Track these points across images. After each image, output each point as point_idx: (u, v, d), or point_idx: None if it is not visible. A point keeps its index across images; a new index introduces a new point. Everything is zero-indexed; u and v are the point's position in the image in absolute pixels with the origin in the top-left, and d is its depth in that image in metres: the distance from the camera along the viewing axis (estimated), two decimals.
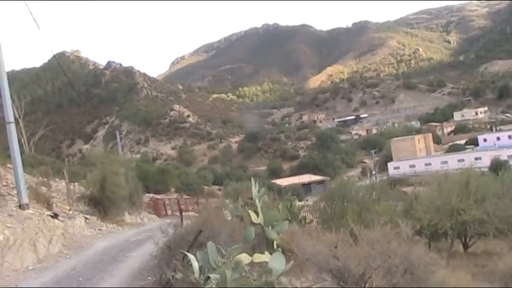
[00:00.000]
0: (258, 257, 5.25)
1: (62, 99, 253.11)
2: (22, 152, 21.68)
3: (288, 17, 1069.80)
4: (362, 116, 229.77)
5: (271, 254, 5.21)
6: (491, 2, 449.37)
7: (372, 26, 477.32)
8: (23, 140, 70.54)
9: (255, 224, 6.81)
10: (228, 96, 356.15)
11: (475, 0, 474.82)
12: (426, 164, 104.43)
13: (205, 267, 5.11)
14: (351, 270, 9.48)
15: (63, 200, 24.95)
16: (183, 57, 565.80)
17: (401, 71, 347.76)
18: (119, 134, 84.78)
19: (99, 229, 22.22)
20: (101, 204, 26.39)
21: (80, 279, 12.04)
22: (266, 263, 5.09)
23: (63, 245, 16.82)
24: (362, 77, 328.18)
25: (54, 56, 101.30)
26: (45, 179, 28.33)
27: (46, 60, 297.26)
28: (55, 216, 18.26)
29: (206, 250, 5.15)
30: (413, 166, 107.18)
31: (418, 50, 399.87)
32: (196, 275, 5.03)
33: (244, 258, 5.10)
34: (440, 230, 22.38)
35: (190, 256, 5.11)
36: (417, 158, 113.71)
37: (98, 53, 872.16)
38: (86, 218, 22.57)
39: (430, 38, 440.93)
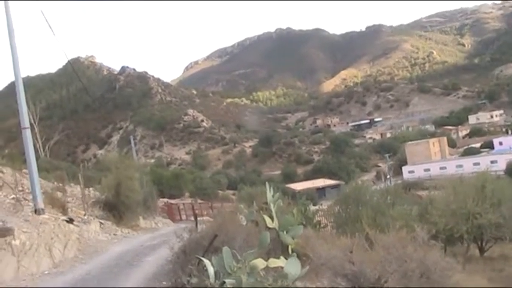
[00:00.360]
0: (273, 262, 5.24)
1: (77, 104, 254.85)
2: (37, 157, 21.79)
3: (301, 21, 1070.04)
4: (376, 119, 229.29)
5: (286, 258, 5.21)
6: (506, 3, 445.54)
7: (386, 30, 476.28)
8: (38, 145, 71.11)
9: (269, 228, 6.80)
10: (241, 101, 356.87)
11: (489, 1, 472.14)
12: (441, 168, 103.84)
13: (220, 272, 5.12)
14: (366, 274, 9.44)
15: (78, 205, 25.06)
16: (196, 62, 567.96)
17: (415, 75, 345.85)
18: (133, 139, 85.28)
19: (114, 234, 22.30)
20: (116, 209, 26.50)
21: (96, 283, 12.10)
22: (281, 267, 5.08)
23: (79, 250, 16.90)
24: (376, 80, 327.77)
25: (69, 61, 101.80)
26: (60, 184, 28.45)
27: (61, 66, 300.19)
28: (70, 221, 18.35)
29: (221, 255, 5.15)
30: (428, 170, 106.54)
31: (432, 53, 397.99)
32: (212, 280, 5.03)
33: (260, 263, 5.09)
34: (456, 234, 22.21)
35: (206, 261, 5.12)
36: (432, 162, 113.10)
37: (112, 58, 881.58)
38: (100, 222, 22.67)
39: (444, 40, 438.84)
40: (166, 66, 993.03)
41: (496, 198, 22.05)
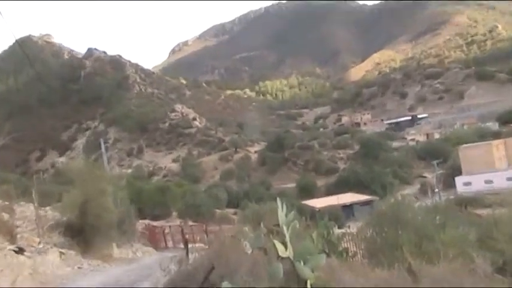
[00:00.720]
0: None
1: (29, 97, 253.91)
2: None
3: None
4: (420, 116, 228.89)
5: None
6: None
7: None
8: None
9: (282, 258, 6.79)
10: (244, 93, 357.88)
11: None
12: (508, 179, 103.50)
13: None
14: None
15: (31, 229, 25.05)
16: (186, 43, 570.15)
17: (472, 56, 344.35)
18: (105, 143, 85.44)
19: (78, 267, 22.27)
20: (82, 235, 26.50)
21: None
22: None
23: None
24: (420, 65, 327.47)
25: (16, 41, 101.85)
26: (6, 203, 28.48)
27: (7, 47, 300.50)
28: (20, 251, 18.33)
29: None
30: (491, 181, 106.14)
31: (497, 27, 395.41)
32: None
33: None
34: None
35: None
36: (495, 171, 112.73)
37: (76, 38, 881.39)
38: (61, 252, 22.63)
39: None
40: (147, 48, 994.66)
41: None
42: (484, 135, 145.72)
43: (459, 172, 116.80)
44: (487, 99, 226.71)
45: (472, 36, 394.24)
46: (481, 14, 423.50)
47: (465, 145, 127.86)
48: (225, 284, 5.18)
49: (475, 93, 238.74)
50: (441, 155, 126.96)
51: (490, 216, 30.62)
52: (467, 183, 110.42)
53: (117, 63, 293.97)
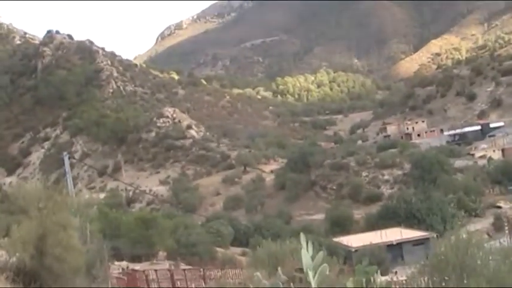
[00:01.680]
0: None
1: None
2: None
3: None
4: (494, 125, 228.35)
5: None
6: None
7: None
8: None
9: None
10: (257, 93, 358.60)
11: None
12: None
13: None
14: None
15: None
16: (180, 26, 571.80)
17: None
18: (69, 158, 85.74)
19: None
20: (37, 281, 26.51)
21: None
22: None
23: None
24: (494, 56, 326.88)
25: None
26: None
27: None
28: None
29: None
30: None
31: None
32: None
33: None
34: None
35: None
36: None
37: (31, 18, 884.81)
38: None
39: None
40: (128, 33, 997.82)
41: None
42: None
43: None
44: None
45: None
46: None
47: None
48: None
49: None
50: None
51: None
52: None
53: (86, 51, 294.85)
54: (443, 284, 22.98)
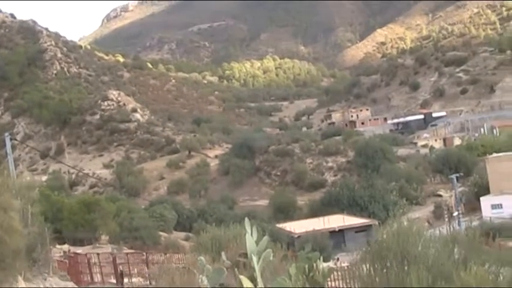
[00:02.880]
0: None
1: None
2: None
3: None
4: (436, 115, 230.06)
5: None
6: None
7: None
8: None
9: None
10: (203, 78, 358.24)
11: None
12: None
13: None
14: None
15: None
16: (125, 8, 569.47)
17: (508, 36, 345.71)
18: (10, 140, 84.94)
19: None
20: None
21: None
22: None
23: None
24: (438, 46, 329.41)
25: None
26: None
27: None
28: None
29: None
30: None
31: None
32: None
33: None
34: None
35: None
36: None
37: None
38: None
39: None
40: (73, 14, 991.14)
41: None
42: None
43: (486, 190, 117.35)
44: None
45: (508, 9, 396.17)
46: None
47: (495, 155, 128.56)
48: None
49: (510, 86, 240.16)
50: (463, 168, 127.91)
51: None
52: (497, 206, 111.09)
53: (29, 31, 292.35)
54: (384, 270, 23.10)
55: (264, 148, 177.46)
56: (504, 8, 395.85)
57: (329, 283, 23.78)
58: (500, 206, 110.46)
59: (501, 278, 22.61)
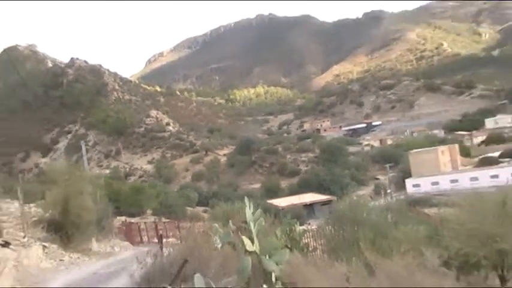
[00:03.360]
0: None
1: (14, 102, 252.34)
2: None
3: (286, 6, 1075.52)
4: (375, 123, 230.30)
5: None
6: None
7: (387, 17, 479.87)
8: None
9: (249, 252, 6.75)
10: (215, 101, 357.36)
11: None
12: (452, 181, 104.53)
13: None
14: None
15: (16, 225, 24.78)
16: (161, 54, 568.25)
17: (421, 70, 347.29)
18: (85, 145, 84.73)
19: (60, 260, 22.04)
20: (63, 230, 26.22)
21: None
22: None
23: (17, 280, 16.64)
24: (375, 77, 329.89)
25: (4, 50, 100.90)
26: None
27: None
28: (6, 244, 18.12)
29: (193, 284, 5.10)
30: (437, 183, 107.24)
31: (442, 44, 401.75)
32: None
33: None
34: (471, 260, 22.29)
35: None
36: (441, 174, 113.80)
37: (59, 48, 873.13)
38: (44, 246, 22.39)
39: (457, 30, 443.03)
40: (125, 58, 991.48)
41: None
42: (431, 142, 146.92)
43: (409, 175, 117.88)
44: (435, 109, 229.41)
45: (421, 52, 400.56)
46: (429, 33, 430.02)
47: (415, 150, 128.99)
48: (197, 276, 5.14)
49: (424, 103, 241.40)
50: (393, 159, 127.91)
51: (437, 215, 30.94)
52: (416, 185, 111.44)
53: (97, 71, 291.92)
54: (341, 231, 23.10)
55: (257, 148, 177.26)
56: (418, 51, 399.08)
57: (304, 240, 23.81)
58: (418, 185, 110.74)
59: (420, 233, 22.67)
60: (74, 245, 26.13)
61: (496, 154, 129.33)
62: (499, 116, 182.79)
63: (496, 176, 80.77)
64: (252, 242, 6.68)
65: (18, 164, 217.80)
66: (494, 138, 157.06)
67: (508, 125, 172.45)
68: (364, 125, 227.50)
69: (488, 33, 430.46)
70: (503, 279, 23.82)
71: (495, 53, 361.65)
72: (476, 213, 22.83)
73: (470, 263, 22.79)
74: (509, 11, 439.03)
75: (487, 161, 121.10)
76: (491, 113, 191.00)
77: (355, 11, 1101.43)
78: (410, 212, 33.94)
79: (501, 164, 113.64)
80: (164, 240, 22.82)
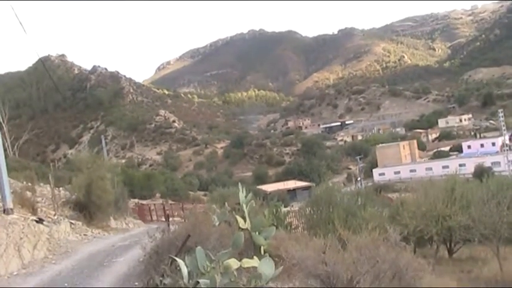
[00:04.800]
0: (247, 262, 5.20)
1: (47, 103, 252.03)
2: (6, 157, 21.42)
3: (274, 23, 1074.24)
4: (347, 122, 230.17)
5: (259, 259, 5.17)
6: (475, 10, 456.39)
7: (358, 33, 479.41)
8: (7, 144, 69.99)
9: (242, 229, 6.75)
10: (214, 102, 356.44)
11: (463, 6, 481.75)
12: (411, 171, 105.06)
13: (194, 272, 5.06)
14: (339, 275, 9.46)
15: (48, 205, 24.74)
16: (169, 63, 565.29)
17: (386, 78, 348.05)
18: (105, 139, 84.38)
19: (84, 234, 22.06)
20: (87, 209, 26.22)
21: (66, 284, 11.92)
22: (255, 268, 5.04)
23: (49, 250, 16.67)
24: (348, 83, 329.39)
25: (40, 59, 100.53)
26: (29, 184, 28.08)
27: (31, 64, 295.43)
28: (40, 221, 18.10)
29: (194, 255, 5.09)
30: (398, 172, 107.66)
31: (404, 57, 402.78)
32: (185, 280, 4.98)
33: (233, 263, 5.06)
34: (425, 236, 22.46)
35: (179, 261, 5.07)
36: (402, 165, 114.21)
37: (84, 57, 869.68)
38: (71, 223, 22.39)
39: (415, 45, 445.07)
40: (139, 66, 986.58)
41: (465, 200, 22.31)
42: (394, 138, 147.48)
43: (376, 165, 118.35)
44: (397, 110, 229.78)
45: (386, 63, 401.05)
46: (393, 47, 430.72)
47: (380, 145, 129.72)
48: (198, 248, 5.13)
49: (389, 106, 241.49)
50: (363, 152, 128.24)
51: (398, 199, 31.04)
52: (382, 174, 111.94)
53: (115, 77, 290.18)
54: (319, 211, 23.14)
55: (249, 142, 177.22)
56: (384, 62, 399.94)
57: (288, 219, 23.84)
58: (383, 174, 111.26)
59: (384, 214, 22.74)
60: (96, 222, 26.14)
61: (447, 148, 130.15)
62: (449, 117, 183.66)
63: (446, 167, 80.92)
64: (244, 220, 6.67)
65: (49, 154, 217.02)
66: (445, 135, 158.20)
67: (456, 125, 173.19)
68: (338, 124, 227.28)
69: (440, 48, 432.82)
70: (450, 251, 24.13)
71: (446, 65, 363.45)
72: (430, 197, 23.08)
73: (425, 238, 23.09)
74: (456, 31, 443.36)
75: (440, 154, 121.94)
76: (443, 114, 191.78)
77: (331, 28, 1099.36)
78: (376, 196, 33.87)
79: (451, 157, 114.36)
80: (170, 219, 22.86)
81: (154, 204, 47.44)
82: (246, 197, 7.60)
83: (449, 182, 24.15)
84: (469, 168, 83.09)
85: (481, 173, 59.35)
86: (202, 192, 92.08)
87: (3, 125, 70.74)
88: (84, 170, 27.81)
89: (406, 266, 10.34)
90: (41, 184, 31.71)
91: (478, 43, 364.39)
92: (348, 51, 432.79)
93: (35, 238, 15.98)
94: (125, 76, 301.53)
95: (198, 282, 4.85)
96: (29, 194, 23.59)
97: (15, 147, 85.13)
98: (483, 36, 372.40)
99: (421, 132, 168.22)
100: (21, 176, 31.82)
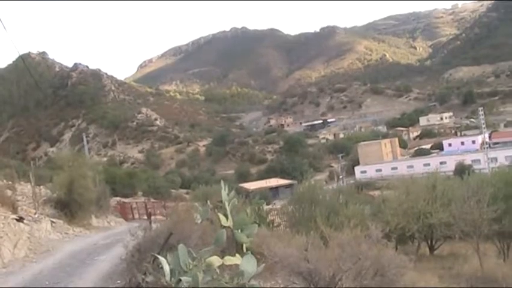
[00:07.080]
0: (229, 260, 5.22)
1: (28, 101, 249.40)
2: None
3: (256, 21, 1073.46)
4: (329, 120, 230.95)
5: (241, 257, 5.17)
6: (455, 10, 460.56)
7: (340, 31, 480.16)
8: None
9: (224, 227, 6.76)
10: (196, 100, 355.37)
11: (443, 5, 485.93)
12: (392, 168, 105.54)
13: (176, 270, 5.05)
14: (321, 273, 9.49)
15: (28, 203, 24.55)
16: (151, 60, 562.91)
17: (368, 76, 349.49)
18: (86, 137, 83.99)
19: (65, 233, 21.93)
20: (68, 208, 26.07)
21: (47, 283, 11.83)
22: (237, 265, 5.05)
23: (29, 249, 16.55)
24: (330, 81, 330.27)
25: (20, 56, 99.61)
26: (10, 182, 27.83)
27: (11, 62, 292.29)
28: (20, 219, 17.97)
29: (177, 253, 5.09)
30: (380, 170, 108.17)
31: (385, 55, 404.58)
32: (167, 277, 4.98)
33: (216, 260, 5.06)
34: (407, 233, 22.61)
35: (161, 259, 5.06)
36: (384, 162, 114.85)
37: (65, 55, 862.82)
38: (52, 221, 22.25)
39: (397, 43, 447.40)
40: (120, 64, 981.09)
41: (445, 198, 22.50)
42: (376, 136, 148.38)
43: (358, 163, 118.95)
44: (379, 108, 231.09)
45: (368, 61, 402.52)
46: (374, 45, 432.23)
47: (362, 143, 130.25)
48: (180, 246, 5.12)
49: (370, 103, 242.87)
50: (344, 150, 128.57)
51: (380, 196, 31.23)
52: (363, 172, 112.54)
53: (96, 75, 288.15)
54: (301, 209, 23.18)
55: (231, 140, 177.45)
56: (366, 60, 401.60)
57: (270, 217, 23.86)
58: (365, 171, 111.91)
59: (366, 211, 22.85)
60: (77, 220, 26.01)
61: (428, 146, 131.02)
62: (430, 115, 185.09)
63: (428, 164, 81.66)
64: (227, 218, 6.69)
65: (30, 152, 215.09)
66: (427, 133, 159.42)
67: (437, 123, 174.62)
68: (320, 122, 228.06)
69: (421, 47, 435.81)
70: (431, 248, 24.32)
71: (427, 63, 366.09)
72: (411, 195, 23.25)
73: (406, 235, 23.26)
74: (437, 30, 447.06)
75: (421, 152, 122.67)
76: (424, 112, 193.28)
77: (314, 26, 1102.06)
78: (358, 194, 34.03)
79: (432, 154, 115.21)
80: (152, 217, 22.75)
81: (136, 203, 47.22)
82: (228, 194, 7.62)
83: (430, 180, 24.37)
84: (450, 165, 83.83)
85: (461, 170, 59.82)
86: (184, 190, 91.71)
87: None
88: (66, 168, 27.67)
89: (388, 263, 10.40)
90: (22, 182, 31.44)
91: (459, 42, 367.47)
92: (330, 49, 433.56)
93: (16, 237, 15.87)
94: (106, 74, 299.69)
95: (180, 279, 4.84)
96: (9, 192, 23.40)
97: None
98: (463, 35, 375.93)
99: (402, 130, 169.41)
100: (1, 175, 31.54)
